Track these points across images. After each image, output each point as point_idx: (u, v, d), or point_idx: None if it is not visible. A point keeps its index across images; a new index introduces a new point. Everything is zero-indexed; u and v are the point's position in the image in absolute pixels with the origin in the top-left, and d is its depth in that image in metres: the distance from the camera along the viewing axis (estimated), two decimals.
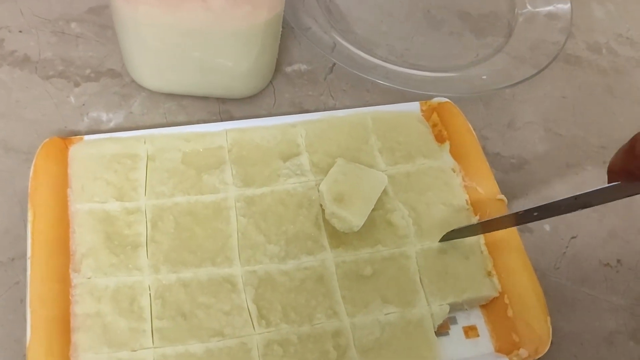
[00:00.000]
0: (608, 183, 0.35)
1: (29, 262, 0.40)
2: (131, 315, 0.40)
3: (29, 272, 0.39)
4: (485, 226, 0.43)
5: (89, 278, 0.41)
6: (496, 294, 0.43)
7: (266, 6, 0.45)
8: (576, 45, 0.63)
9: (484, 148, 0.50)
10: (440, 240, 0.44)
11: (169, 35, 0.46)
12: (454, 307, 0.43)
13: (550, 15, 0.62)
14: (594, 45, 0.63)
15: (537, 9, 0.63)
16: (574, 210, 0.37)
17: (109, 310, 0.40)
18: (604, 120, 0.58)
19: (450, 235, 0.44)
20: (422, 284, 0.43)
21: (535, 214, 0.39)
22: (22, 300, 0.42)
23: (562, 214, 0.38)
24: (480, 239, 0.45)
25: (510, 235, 0.44)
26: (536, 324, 0.41)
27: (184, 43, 0.47)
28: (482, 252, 0.45)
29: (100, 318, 0.39)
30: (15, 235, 0.44)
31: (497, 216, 0.42)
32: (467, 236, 0.44)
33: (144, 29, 0.46)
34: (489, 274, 0.44)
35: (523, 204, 0.51)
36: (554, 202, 0.37)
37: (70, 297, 0.40)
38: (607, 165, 0.34)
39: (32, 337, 0.37)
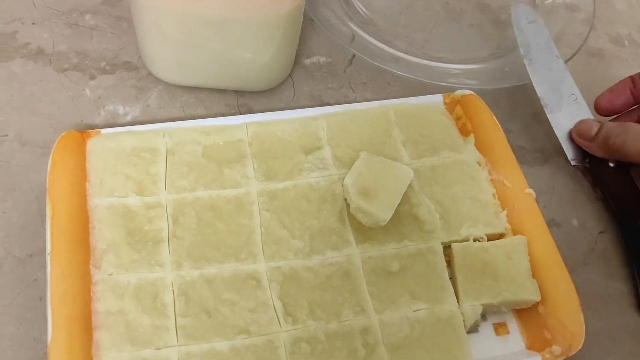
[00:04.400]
0: None
1: (48, 258, 0.39)
2: (154, 312, 0.39)
3: (49, 269, 0.38)
4: None
5: (110, 274, 0.40)
6: (538, 299, 0.41)
7: None
8: (598, 37, 0.62)
9: (507, 141, 0.49)
10: None
11: (188, 26, 0.45)
12: (490, 309, 0.41)
13: (572, 7, 0.61)
14: (616, 37, 0.62)
15: (558, 0, 0.62)
16: None
17: (132, 308, 0.39)
18: None
19: None
20: (456, 281, 0.42)
21: None
22: (42, 298, 0.41)
23: None
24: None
25: (540, 230, 0.43)
26: (569, 320, 0.40)
27: (203, 34, 0.46)
28: (526, 253, 0.43)
29: (123, 315, 0.38)
30: (33, 232, 0.43)
31: None
32: None
33: (163, 18, 0.45)
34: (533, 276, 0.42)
35: (549, 199, 0.50)
36: None
37: (91, 294, 0.39)
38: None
39: (53, 335, 0.36)
